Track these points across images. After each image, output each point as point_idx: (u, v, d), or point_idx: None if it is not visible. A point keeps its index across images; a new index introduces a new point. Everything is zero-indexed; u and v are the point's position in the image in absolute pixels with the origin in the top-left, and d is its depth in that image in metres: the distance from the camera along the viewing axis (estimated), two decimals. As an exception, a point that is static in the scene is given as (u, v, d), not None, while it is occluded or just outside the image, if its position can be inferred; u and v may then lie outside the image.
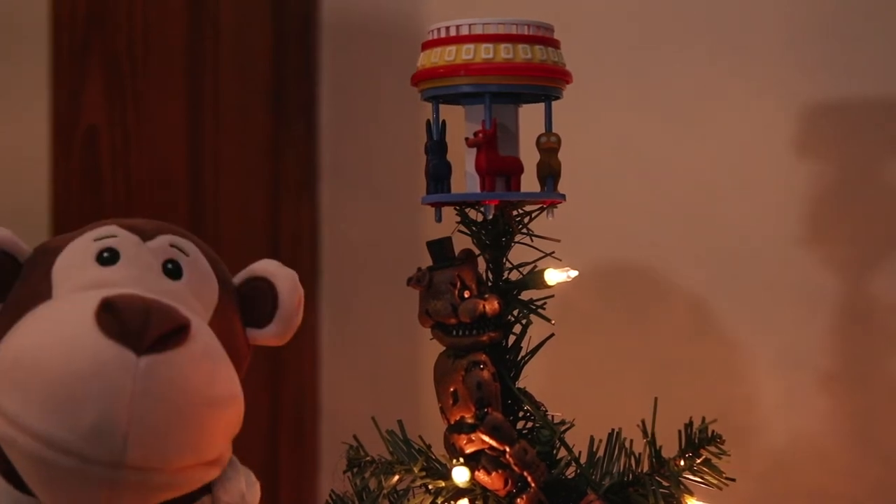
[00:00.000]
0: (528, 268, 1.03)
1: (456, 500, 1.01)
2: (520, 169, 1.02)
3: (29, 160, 1.63)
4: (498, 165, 1.01)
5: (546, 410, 1.02)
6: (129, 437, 0.89)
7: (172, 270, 1.01)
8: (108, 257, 0.99)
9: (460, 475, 1.00)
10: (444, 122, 1.03)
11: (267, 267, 1.07)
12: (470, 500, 1.00)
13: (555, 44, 1.03)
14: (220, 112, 1.58)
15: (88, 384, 0.88)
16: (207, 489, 0.99)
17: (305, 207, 1.72)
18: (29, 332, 0.93)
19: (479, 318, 0.99)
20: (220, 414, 0.94)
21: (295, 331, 1.07)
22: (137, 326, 0.90)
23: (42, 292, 0.98)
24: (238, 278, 1.07)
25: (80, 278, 0.98)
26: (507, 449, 0.98)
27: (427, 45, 1.03)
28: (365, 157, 1.71)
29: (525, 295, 1.03)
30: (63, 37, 1.54)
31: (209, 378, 0.93)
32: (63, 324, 0.92)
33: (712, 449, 1.00)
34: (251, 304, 1.06)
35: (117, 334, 0.89)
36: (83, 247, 1.00)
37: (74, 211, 1.53)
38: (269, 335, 1.06)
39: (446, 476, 1.01)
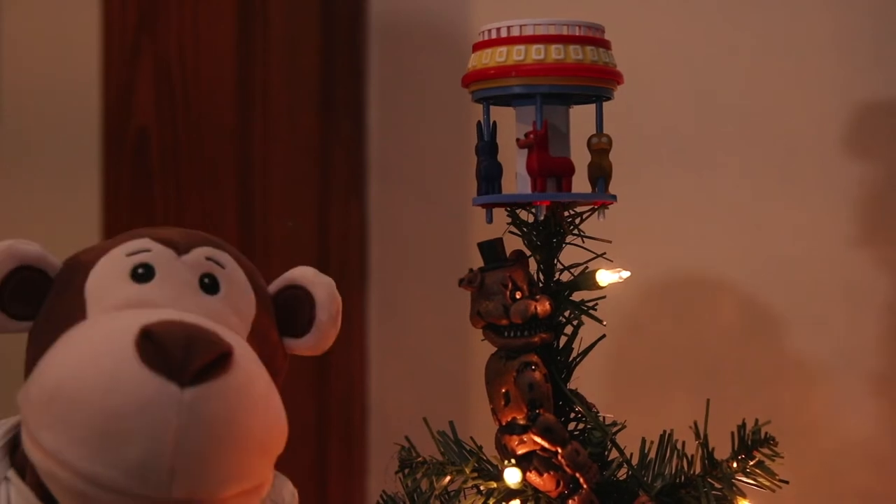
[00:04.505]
0: (580, 269, 1.03)
1: (508, 502, 1.01)
2: (571, 170, 1.02)
3: (81, 161, 1.64)
4: (549, 166, 1.01)
5: (597, 412, 1.02)
6: (175, 471, 0.86)
7: (209, 285, 0.97)
8: (142, 273, 0.96)
9: (512, 476, 1.00)
10: (494, 122, 1.03)
11: (304, 274, 1.03)
12: (522, 502, 1.00)
13: (606, 44, 1.02)
14: (269, 113, 1.59)
15: (132, 421, 0.85)
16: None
17: (354, 208, 1.72)
18: (66, 360, 0.89)
19: (531, 319, 0.99)
20: (265, 441, 0.91)
21: (333, 341, 1.04)
22: (180, 358, 0.86)
23: (76, 311, 0.95)
24: (274, 287, 1.03)
25: (115, 296, 0.95)
26: (560, 450, 0.98)
27: (478, 46, 1.02)
28: (414, 157, 1.71)
29: (576, 296, 1.03)
30: (114, 39, 1.55)
31: (253, 406, 0.90)
32: (102, 353, 0.88)
33: (765, 451, 1.00)
34: (288, 313, 1.02)
35: (159, 366, 0.86)
36: (116, 262, 0.97)
37: (125, 212, 1.54)
38: (307, 345, 1.02)
39: (498, 477, 1.01)
